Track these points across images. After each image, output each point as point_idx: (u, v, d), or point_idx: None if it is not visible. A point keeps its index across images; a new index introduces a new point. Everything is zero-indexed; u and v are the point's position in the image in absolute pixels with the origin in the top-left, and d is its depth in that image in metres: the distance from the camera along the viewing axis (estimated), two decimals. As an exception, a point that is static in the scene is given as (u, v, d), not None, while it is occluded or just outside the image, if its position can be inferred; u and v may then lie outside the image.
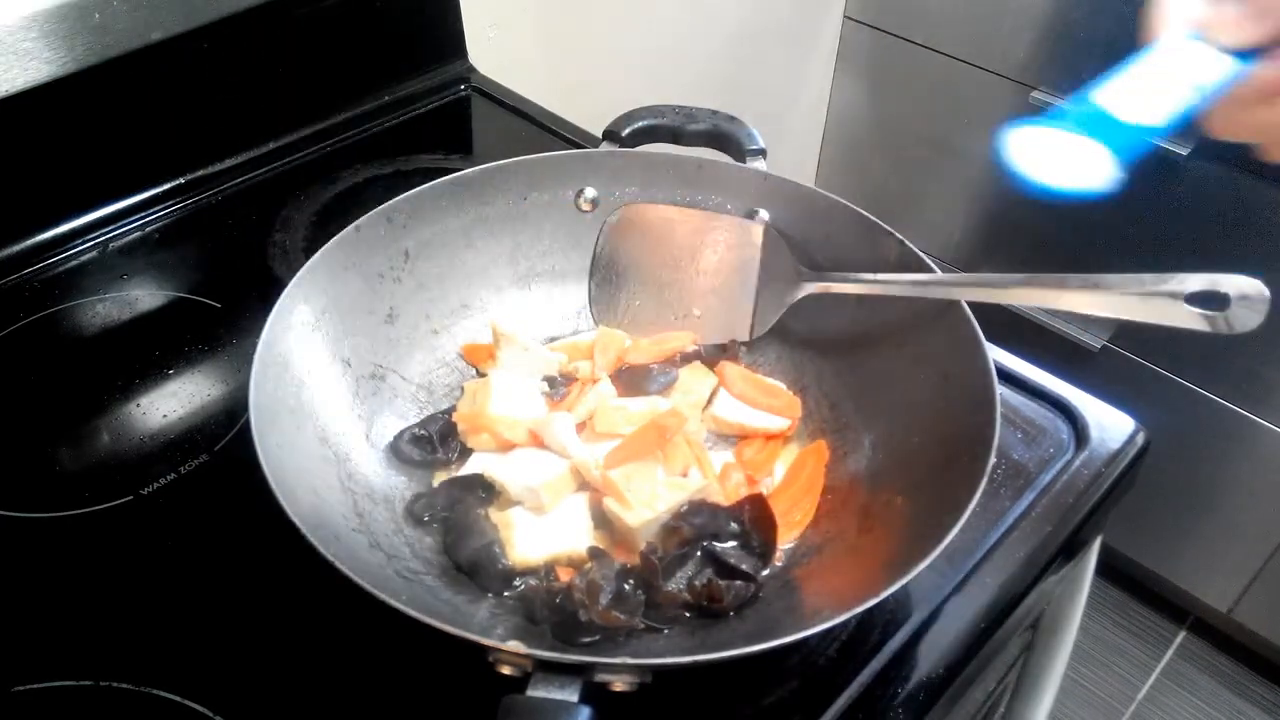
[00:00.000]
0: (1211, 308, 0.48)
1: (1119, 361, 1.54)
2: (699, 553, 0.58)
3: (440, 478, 0.64)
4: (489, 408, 0.64)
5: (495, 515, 0.61)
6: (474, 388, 0.67)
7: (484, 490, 0.62)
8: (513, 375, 0.68)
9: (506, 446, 0.64)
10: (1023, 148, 0.45)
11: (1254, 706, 1.67)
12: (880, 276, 0.65)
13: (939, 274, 0.63)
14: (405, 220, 0.68)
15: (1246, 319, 0.47)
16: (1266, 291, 0.47)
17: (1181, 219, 1.39)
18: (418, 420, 0.67)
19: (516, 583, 0.57)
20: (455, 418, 0.65)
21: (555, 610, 0.54)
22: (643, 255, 0.74)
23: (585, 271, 0.75)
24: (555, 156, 0.73)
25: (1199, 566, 1.66)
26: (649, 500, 0.59)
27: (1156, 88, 0.45)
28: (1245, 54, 0.43)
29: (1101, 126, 0.44)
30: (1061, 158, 0.45)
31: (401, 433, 0.65)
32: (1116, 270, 0.53)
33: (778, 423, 0.67)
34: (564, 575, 0.56)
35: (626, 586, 0.55)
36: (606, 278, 0.75)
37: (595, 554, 0.57)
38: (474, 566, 0.57)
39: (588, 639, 0.53)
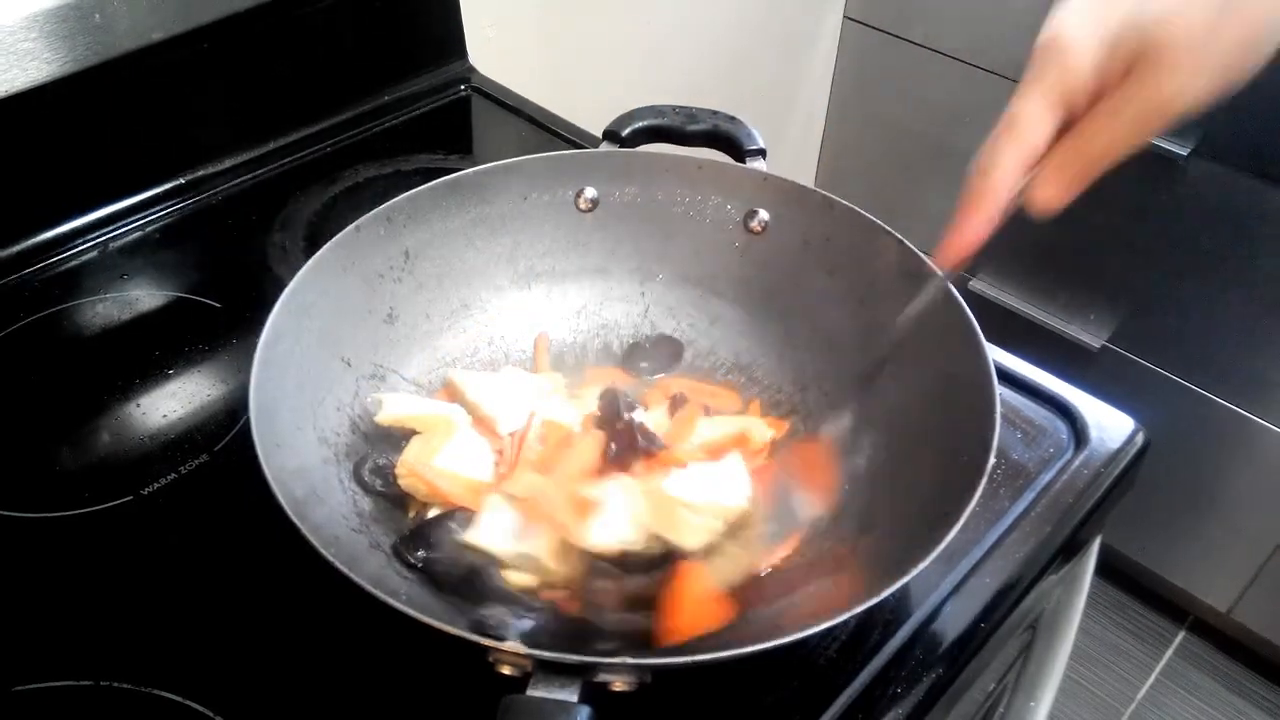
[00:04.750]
0: None
1: (1119, 361, 1.54)
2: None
3: (414, 506, 0.60)
4: (434, 459, 0.59)
5: (469, 536, 0.56)
6: (423, 437, 0.61)
7: (456, 523, 0.57)
8: (472, 435, 0.62)
9: (445, 502, 0.59)
10: None
11: (1254, 707, 1.67)
12: None
13: None
14: (405, 220, 0.68)
15: None
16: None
17: (1182, 219, 1.38)
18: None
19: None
20: (398, 469, 0.59)
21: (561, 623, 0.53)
22: None
23: (585, 271, 0.75)
24: (555, 156, 0.72)
25: (1199, 566, 1.66)
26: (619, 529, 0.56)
27: None
28: None
29: None
30: None
31: (363, 458, 0.60)
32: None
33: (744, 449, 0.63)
34: (569, 608, 0.55)
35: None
36: None
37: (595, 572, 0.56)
38: (476, 598, 0.55)
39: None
